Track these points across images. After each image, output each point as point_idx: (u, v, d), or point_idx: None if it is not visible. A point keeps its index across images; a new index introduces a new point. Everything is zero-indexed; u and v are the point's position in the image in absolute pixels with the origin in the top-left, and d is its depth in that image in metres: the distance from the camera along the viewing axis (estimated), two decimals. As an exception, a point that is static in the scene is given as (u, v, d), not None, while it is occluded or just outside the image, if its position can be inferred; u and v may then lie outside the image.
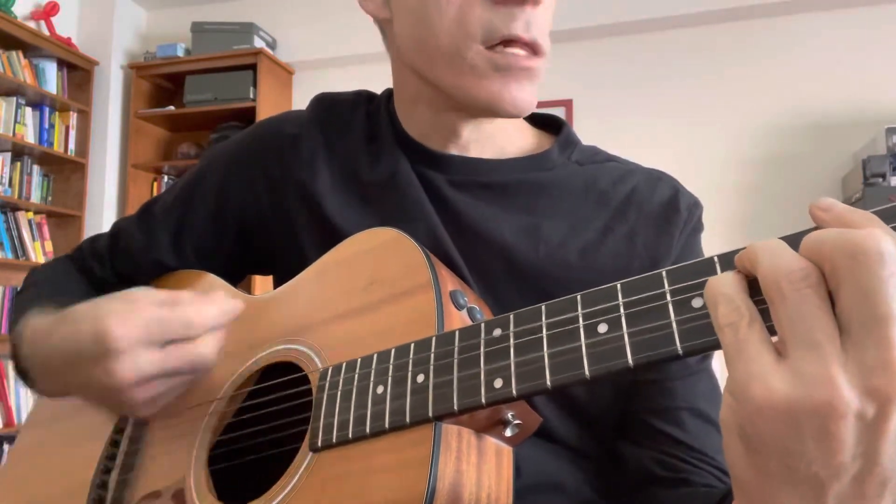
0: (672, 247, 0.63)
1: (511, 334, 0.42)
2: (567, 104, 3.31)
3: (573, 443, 0.61)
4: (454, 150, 0.68)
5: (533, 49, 0.60)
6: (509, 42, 0.58)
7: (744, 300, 0.31)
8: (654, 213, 0.65)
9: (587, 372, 0.37)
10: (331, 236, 0.63)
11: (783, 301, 0.29)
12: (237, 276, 0.79)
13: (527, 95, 0.60)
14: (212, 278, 0.73)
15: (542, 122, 0.76)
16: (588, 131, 3.21)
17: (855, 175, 2.71)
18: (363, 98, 0.75)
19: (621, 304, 0.37)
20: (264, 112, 3.52)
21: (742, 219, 2.94)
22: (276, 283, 0.71)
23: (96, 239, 0.82)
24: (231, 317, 0.58)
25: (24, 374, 0.66)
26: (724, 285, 0.32)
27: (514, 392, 0.40)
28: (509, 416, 0.45)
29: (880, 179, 2.55)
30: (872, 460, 0.28)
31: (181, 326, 0.54)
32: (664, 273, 0.36)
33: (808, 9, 3.03)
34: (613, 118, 3.23)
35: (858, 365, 0.27)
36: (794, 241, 0.31)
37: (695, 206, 0.67)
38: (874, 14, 2.96)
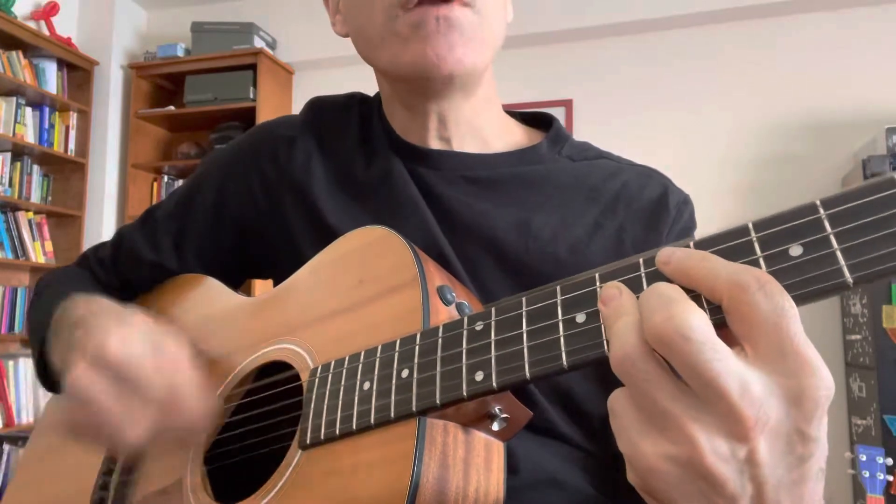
0: (660, 244, 0.63)
1: (492, 327, 0.42)
2: (567, 104, 3.31)
3: (572, 439, 0.61)
4: (436, 145, 0.69)
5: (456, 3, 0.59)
6: None
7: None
8: (644, 210, 0.65)
9: (565, 362, 0.37)
10: (327, 237, 0.63)
11: (625, 380, 0.33)
12: (238, 280, 0.80)
13: (457, 53, 0.60)
14: (212, 282, 0.74)
15: (533, 120, 0.76)
16: (588, 131, 3.23)
17: (855, 175, 2.70)
18: (356, 100, 0.76)
19: (599, 292, 0.37)
20: (264, 112, 3.52)
21: (742, 219, 2.89)
22: (276, 286, 0.72)
23: (100, 247, 0.83)
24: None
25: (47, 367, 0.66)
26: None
27: (494, 384, 0.40)
28: (496, 409, 0.45)
29: (880, 179, 2.54)
30: (759, 482, 0.31)
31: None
32: (641, 261, 0.36)
33: (808, 9, 3.02)
34: (613, 118, 3.22)
35: (710, 418, 0.31)
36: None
37: (684, 203, 0.66)
38: (874, 14, 2.96)
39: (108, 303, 0.62)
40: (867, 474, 1.99)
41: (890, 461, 1.99)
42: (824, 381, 0.30)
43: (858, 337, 2.58)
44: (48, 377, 0.69)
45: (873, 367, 2.39)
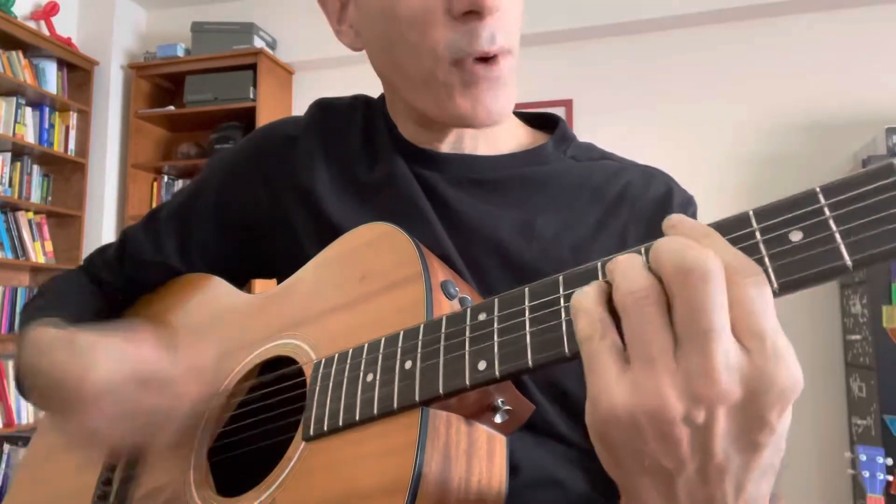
0: None
1: (495, 317, 0.42)
2: (567, 104, 3.31)
3: (571, 439, 0.60)
4: (447, 149, 0.69)
5: (501, 57, 0.60)
6: (478, 58, 0.59)
7: (599, 314, 0.34)
8: (647, 210, 0.65)
9: (567, 350, 0.37)
10: (330, 237, 0.63)
11: (627, 317, 0.33)
12: (242, 279, 0.80)
13: (501, 103, 0.61)
14: (217, 281, 0.75)
15: (539, 120, 0.76)
16: (588, 131, 3.23)
17: (855, 175, 2.70)
18: (360, 102, 0.76)
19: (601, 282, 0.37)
20: (264, 112, 3.52)
21: (742, 219, 2.93)
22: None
23: (105, 248, 0.83)
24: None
25: (19, 383, 0.68)
26: (584, 299, 0.34)
27: (497, 373, 0.40)
28: (499, 402, 0.45)
29: (880, 179, 2.55)
30: (709, 454, 0.32)
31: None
32: (642, 249, 0.36)
33: (808, 9, 3.03)
34: (613, 118, 3.23)
35: (685, 375, 0.31)
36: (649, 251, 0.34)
37: (688, 203, 0.67)
38: (874, 14, 2.96)
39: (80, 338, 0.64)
40: (867, 474, 1.99)
41: (890, 461, 1.99)
42: (794, 375, 0.31)
43: (858, 337, 2.58)
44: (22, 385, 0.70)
45: (873, 367, 2.39)
